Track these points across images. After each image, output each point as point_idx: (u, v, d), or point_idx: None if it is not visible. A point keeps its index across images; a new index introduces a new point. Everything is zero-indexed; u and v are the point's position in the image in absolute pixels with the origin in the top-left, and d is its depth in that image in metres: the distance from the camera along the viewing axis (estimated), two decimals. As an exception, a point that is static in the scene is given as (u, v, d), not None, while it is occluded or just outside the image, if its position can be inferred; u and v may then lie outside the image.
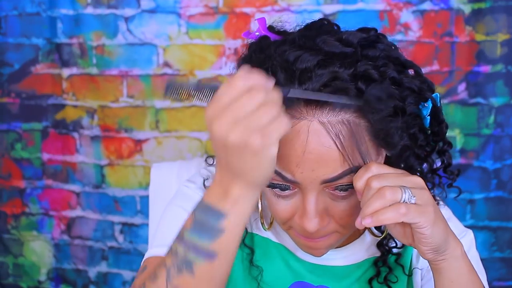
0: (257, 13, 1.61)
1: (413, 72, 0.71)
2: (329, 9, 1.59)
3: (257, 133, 0.55)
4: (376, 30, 0.72)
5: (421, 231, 0.64)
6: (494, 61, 1.58)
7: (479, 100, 1.60)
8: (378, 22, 1.58)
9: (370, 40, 0.69)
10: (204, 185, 0.84)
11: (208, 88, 0.59)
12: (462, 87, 1.60)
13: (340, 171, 0.65)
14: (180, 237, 0.63)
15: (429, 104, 0.69)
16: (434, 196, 0.78)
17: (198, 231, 0.61)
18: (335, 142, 0.64)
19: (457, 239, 0.69)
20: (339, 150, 0.64)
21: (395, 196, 0.63)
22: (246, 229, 0.83)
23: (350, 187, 0.67)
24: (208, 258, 0.61)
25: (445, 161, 0.77)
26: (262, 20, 0.72)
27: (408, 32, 1.59)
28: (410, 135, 0.70)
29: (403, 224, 0.66)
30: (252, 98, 0.55)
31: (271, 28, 0.73)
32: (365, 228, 0.83)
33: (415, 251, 0.84)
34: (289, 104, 0.64)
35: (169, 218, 0.83)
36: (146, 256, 0.81)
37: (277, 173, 0.67)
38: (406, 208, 0.62)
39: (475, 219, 1.65)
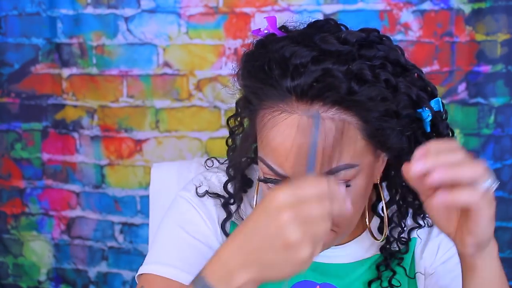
0: (257, 13, 1.61)
1: (416, 75, 0.71)
2: (329, 9, 1.59)
3: (309, 239, 0.52)
4: (378, 32, 0.72)
5: (480, 220, 0.61)
6: (494, 61, 1.57)
7: (479, 100, 1.60)
8: (378, 22, 1.58)
9: (370, 40, 0.69)
10: (196, 193, 0.83)
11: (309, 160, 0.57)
12: (462, 87, 1.60)
13: (329, 168, 0.66)
14: None
15: (427, 110, 0.69)
16: None
17: None
18: (324, 138, 0.64)
19: (495, 240, 0.68)
20: (329, 146, 0.64)
21: (486, 172, 0.60)
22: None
23: (342, 184, 0.67)
24: None
25: None
26: (272, 18, 0.73)
27: (408, 32, 1.58)
28: (409, 137, 0.70)
29: (450, 209, 0.64)
30: (322, 206, 0.52)
31: (283, 28, 0.74)
32: (366, 227, 0.83)
33: (416, 253, 0.84)
34: (282, 98, 0.65)
35: (164, 235, 0.82)
36: (141, 271, 0.80)
37: (268, 166, 0.67)
38: (477, 192, 0.59)
39: (475, 219, 1.65)
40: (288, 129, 0.65)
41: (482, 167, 0.59)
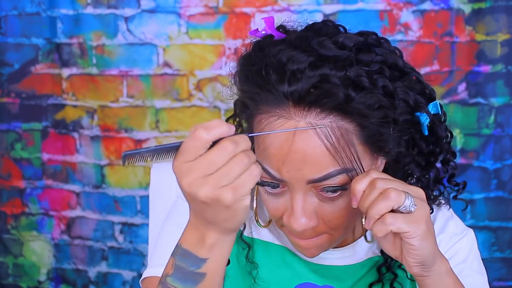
0: (257, 13, 1.61)
1: (414, 78, 0.71)
2: (329, 9, 1.59)
3: (228, 188, 0.54)
4: (376, 34, 0.71)
5: (410, 241, 0.63)
6: (494, 61, 1.58)
7: (479, 100, 1.60)
8: (378, 22, 1.58)
9: (368, 44, 0.69)
10: None
11: (167, 148, 0.57)
12: (462, 87, 1.60)
13: (325, 172, 0.65)
14: (163, 282, 0.64)
15: (424, 114, 0.69)
16: (432, 209, 0.78)
17: (180, 276, 0.62)
18: (321, 143, 0.64)
19: (443, 256, 0.69)
20: (326, 151, 0.64)
21: (399, 199, 0.62)
22: (244, 224, 0.83)
23: (338, 188, 0.67)
24: None
25: (449, 171, 0.77)
26: (269, 19, 0.72)
27: (408, 32, 1.59)
28: (407, 141, 0.70)
29: (393, 234, 0.66)
30: (222, 152, 0.54)
31: (281, 28, 0.73)
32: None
33: None
34: (278, 103, 0.65)
35: (166, 237, 0.82)
36: (145, 275, 0.81)
37: (265, 170, 0.67)
38: (392, 218, 0.62)
39: (475, 219, 1.65)
40: (284, 135, 0.65)
41: (394, 195, 0.62)
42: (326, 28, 0.71)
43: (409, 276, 0.83)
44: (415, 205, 0.63)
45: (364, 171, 0.68)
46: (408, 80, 0.69)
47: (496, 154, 1.62)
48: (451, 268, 0.69)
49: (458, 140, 1.62)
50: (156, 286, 0.66)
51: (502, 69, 1.58)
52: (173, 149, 0.57)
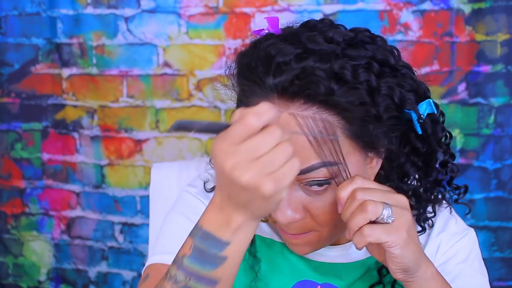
0: (257, 13, 1.61)
1: (408, 76, 0.70)
2: (329, 9, 1.59)
3: (271, 177, 0.53)
4: (369, 31, 0.71)
5: (390, 250, 0.64)
6: (494, 61, 1.58)
7: (479, 100, 1.60)
8: (378, 22, 1.58)
9: (359, 40, 0.68)
10: (204, 188, 0.84)
11: (218, 127, 0.56)
12: (462, 87, 1.60)
13: (308, 164, 0.66)
14: (179, 263, 0.62)
15: (413, 112, 0.68)
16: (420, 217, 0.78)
17: (199, 258, 0.60)
18: (303, 134, 0.64)
19: (429, 261, 0.69)
20: (308, 142, 0.65)
21: (376, 211, 0.63)
22: None
23: (323, 182, 0.67)
24: (210, 285, 0.60)
25: (448, 174, 0.77)
26: (274, 19, 0.73)
27: (408, 32, 1.59)
28: (400, 140, 0.70)
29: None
30: (269, 138, 0.53)
31: (288, 29, 0.73)
32: None
33: None
34: (265, 95, 0.66)
35: (171, 225, 0.82)
36: (148, 263, 0.80)
37: None
38: (370, 230, 0.63)
39: (475, 219, 1.65)
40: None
41: (371, 208, 0.63)
42: (321, 25, 0.71)
43: None
44: (392, 217, 0.64)
45: (347, 166, 0.67)
46: (399, 77, 0.69)
47: (496, 154, 1.62)
48: (437, 272, 0.70)
49: (458, 140, 1.62)
50: (162, 272, 0.66)
51: (502, 69, 1.58)
52: (222, 129, 0.55)
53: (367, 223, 0.64)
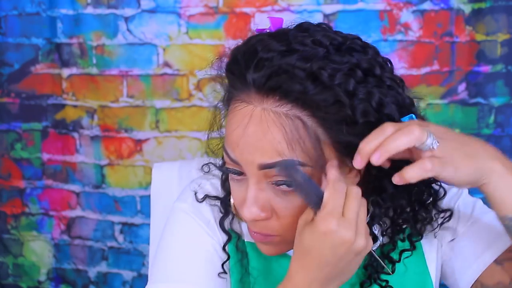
0: (257, 13, 1.61)
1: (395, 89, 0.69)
2: (329, 9, 1.59)
3: (363, 234, 0.63)
4: (361, 40, 0.70)
5: (446, 181, 0.65)
6: (494, 61, 1.58)
7: (479, 100, 1.60)
8: (378, 22, 1.58)
9: (348, 46, 0.67)
10: (196, 199, 0.84)
11: (314, 191, 0.65)
12: (462, 87, 1.60)
13: (276, 159, 0.65)
14: None
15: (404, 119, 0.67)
16: None
17: None
18: (274, 130, 0.65)
19: (490, 160, 0.66)
20: (278, 138, 0.65)
21: (422, 136, 0.63)
22: (239, 235, 0.83)
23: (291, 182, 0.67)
24: None
25: (431, 195, 0.77)
26: (278, 20, 0.73)
27: (408, 32, 1.59)
28: None
29: (410, 153, 0.67)
30: (357, 201, 0.63)
31: (282, 29, 0.74)
32: None
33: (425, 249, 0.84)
34: (244, 89, 0.67)
35: (167, 250, 0.82)
36: None
37: (225, 150, 0.70)
38: (431, 164, 0.63)
39: (475, 219, 1.65)
40: (241, 118, 0.67)
41: (415, 132, 0.62)
42: (314, 28, 0.70)
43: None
44: (437, 142, 0.64)
45: (320, 170, 0.67)
46: (385, 88, 0.67)
47: (496, 154, 1.62)
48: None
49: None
50: None
51: (502, 69, 1.58)
52: (317, 198, 0.65)
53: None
